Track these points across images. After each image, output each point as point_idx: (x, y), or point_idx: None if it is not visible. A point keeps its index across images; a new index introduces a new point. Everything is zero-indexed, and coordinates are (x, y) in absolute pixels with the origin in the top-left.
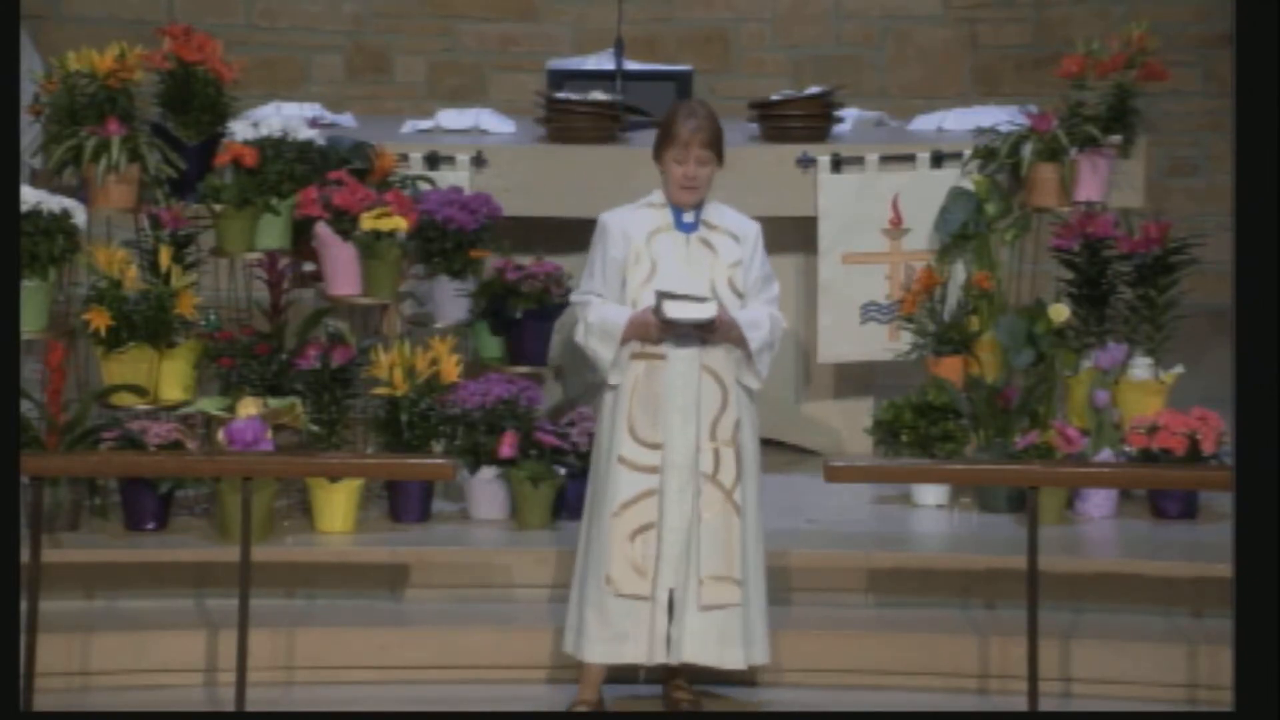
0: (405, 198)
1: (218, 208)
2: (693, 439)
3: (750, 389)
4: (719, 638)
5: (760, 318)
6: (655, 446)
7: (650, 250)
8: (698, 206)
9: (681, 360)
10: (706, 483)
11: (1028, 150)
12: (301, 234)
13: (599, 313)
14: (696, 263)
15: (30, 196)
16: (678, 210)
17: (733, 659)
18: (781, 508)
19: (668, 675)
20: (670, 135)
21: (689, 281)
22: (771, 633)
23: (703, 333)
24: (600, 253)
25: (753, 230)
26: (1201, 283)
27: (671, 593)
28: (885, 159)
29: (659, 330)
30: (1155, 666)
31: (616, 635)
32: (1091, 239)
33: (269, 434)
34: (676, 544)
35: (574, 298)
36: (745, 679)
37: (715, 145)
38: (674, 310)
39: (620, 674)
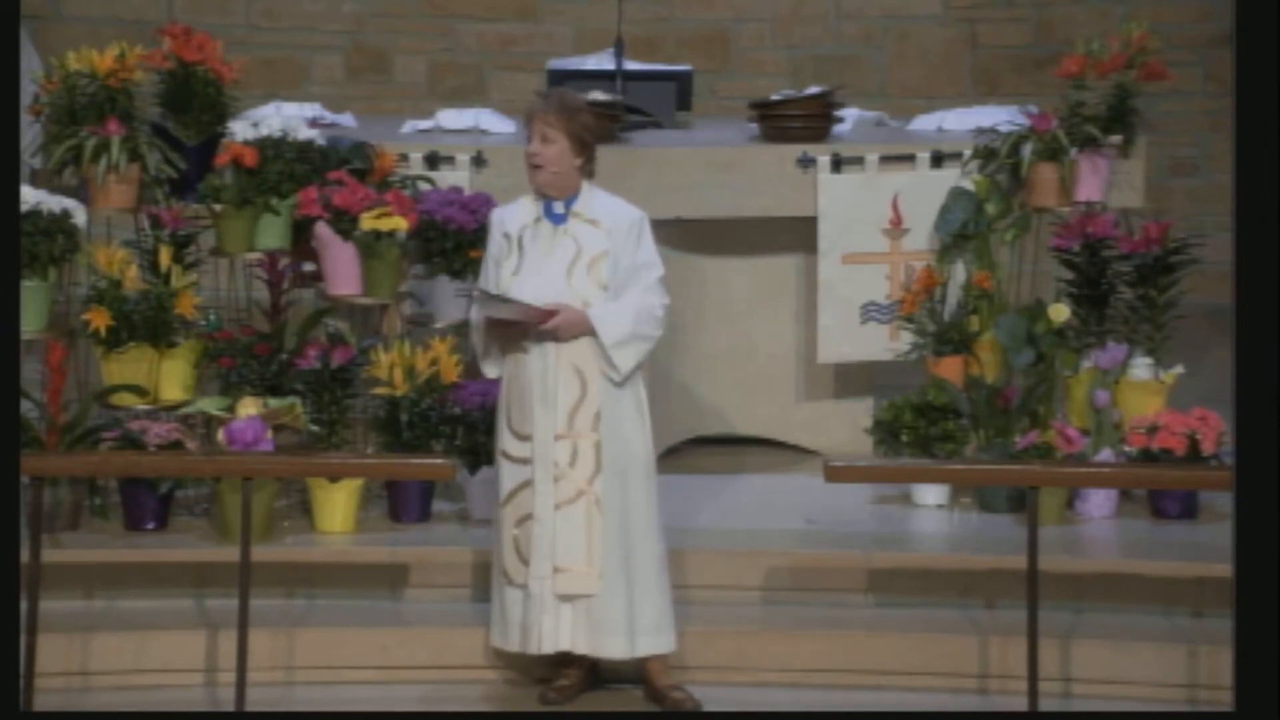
0: (405, 198)
1: (218, 208)
2: (552, 430)
3: (613, 380)
4: (589, 625)
5: (622, 311)
6: (525, 438)
7: (520, 243)
8: (568, 196)
9: (540, 352)
10: (564, 474)
11: (1028, 150)
12: (301, 234)
13: (475, 308)
14: (559, 254)
15: (30, 196)
16: (548, 202)
17: (611, 647)
18: (781, 508)
19: (650, 676)
20: (526, 126)
21: (547, 273)
22: (772, 633)
23: (540, 330)
24: (486, 249)
25: (627, 219)
26: (1201, 283)
27: (542, 582)
28: (885, 159)
29: (493, 327)
30: (1155, 666)
31: (511, 623)
32: (1091, 239)
33: (269, 434)
34: (544, 535)
35: (473, 293)
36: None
37: (565, 124)
38: (482, 306)
39: (613, 674)
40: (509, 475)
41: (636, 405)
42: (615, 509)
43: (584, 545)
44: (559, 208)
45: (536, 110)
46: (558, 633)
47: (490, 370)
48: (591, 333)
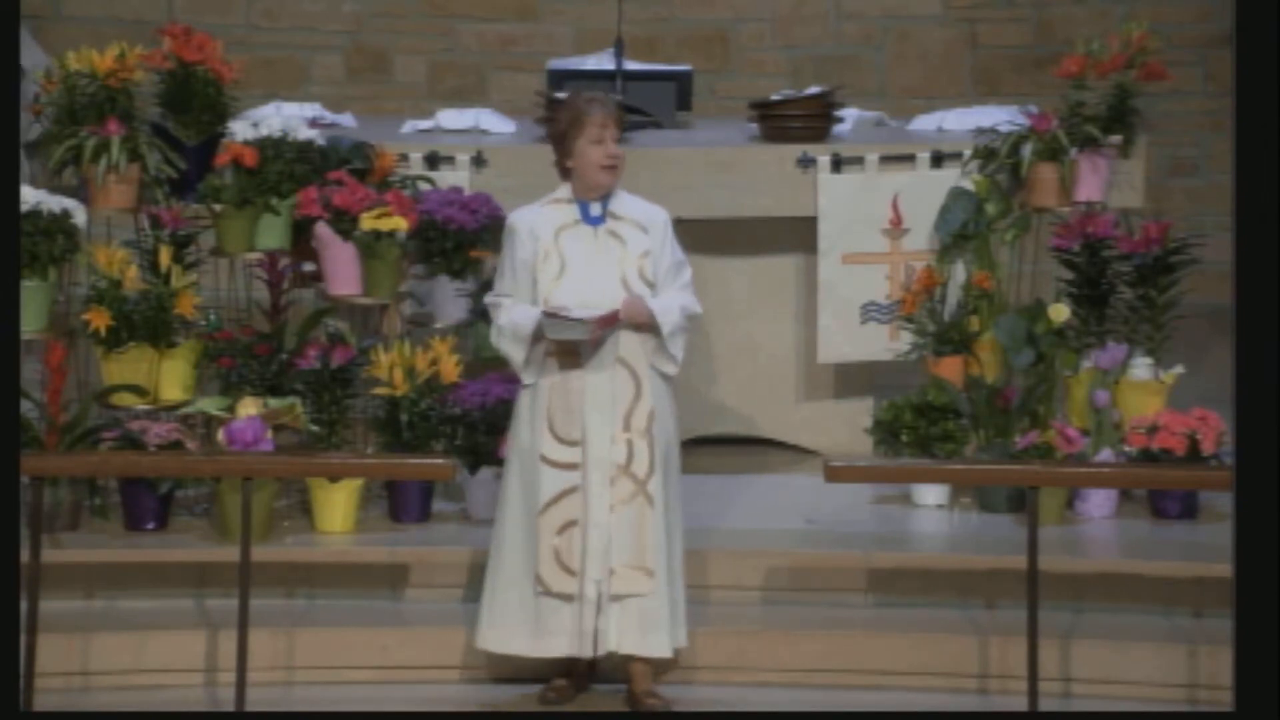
0: (405, 198)
1: (218, 208)
2: (609, 432)
3: (668, 377)
4: (639, 625)
5: (670, 304)
6: (574, 443)
7: (559, 247)
8: (605, 197)
9: (595, 354)
10: (620, 474)
11: (1028, 150)
12: (301, 234)
13: (509, 315)
14: (605, 255)
15: (30, 196)
16: (584, 204)
17: (657, 646)
18: (781, 508)
19: (633, 678)
20: (580, 121)
21: (599, 275)
22: (771, 633)
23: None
24: (509, 254)
25: (660, 218)
26: (1201, 283)
27: (598, 585)
28: (885, 159)
29: (552, 345)
30: (1155, 666)
31: (546, 630)
32: (1091, 239)
33: (269, 434)
34: (600, 538)
35: (487, 300)
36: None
37: (622, 126)
38: (552, 331)
39: (610, 674)
40: (550, 481)
41: (672, 401)
42: (662, 506)
43: (637, 544)
44: (595, 209)
45: (606, 111)
46: (608, 635)
47: (529, 376)
48: (650, 319)
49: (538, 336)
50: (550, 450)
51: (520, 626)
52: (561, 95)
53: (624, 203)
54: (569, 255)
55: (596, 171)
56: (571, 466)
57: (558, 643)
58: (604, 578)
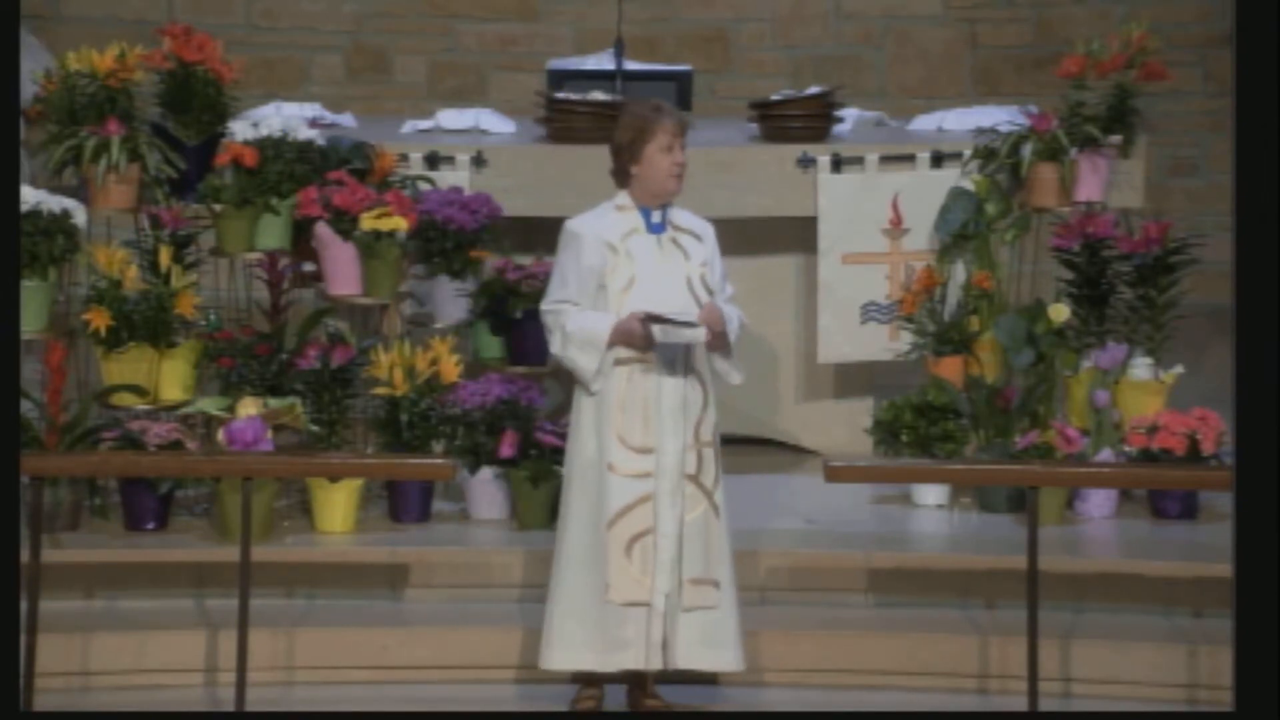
0: (405, 198)
1: (218, 208)
2: (682, 441)
3: (729, 385)
4: (704, 640)
5: (730, 314)
6: (647, 451)
7: (627, 254)
8: (664, 206)
9: (669, 363)
10: (690, 484)
11: (1028, 150)
12: (301, 234)
13: (578, 321)
14: (670, 263)
15: (30, 196)
16: (646, 211)
17: (726, 660)
18: (781, 508)
19: (635, 680)
20: (651, 130)
21: (667, 282)
22: (771, 633)
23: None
24: (573, 261)
25: (711, 230)
26: (1201, 283)
27: (667, 598)
28: (885, 159)
29: (647, 347)
30: (1155, 666)
31: (614, 644)
32: (1091, 239)
33: (269, 434)
34: (670, 549)
35: (545, 307)
36: (708, 680)
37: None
38: (664, 336)
39: (581, 676)
40: (620, 492)
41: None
42: (725, 517)
43: (705, 556)
44: (656, 217)
45: (675, 120)
46: (675, 648)
47: (598, 384)
48: (723, 326)
49: (612, 342)
50: (620, 460)
51: (588, 642)
52: (562, 95)
53: (676, 212)
54: (637, 263)
55: (666, 179)
56: (644, 475)
57: (626, 656)
58: (672, 589)
